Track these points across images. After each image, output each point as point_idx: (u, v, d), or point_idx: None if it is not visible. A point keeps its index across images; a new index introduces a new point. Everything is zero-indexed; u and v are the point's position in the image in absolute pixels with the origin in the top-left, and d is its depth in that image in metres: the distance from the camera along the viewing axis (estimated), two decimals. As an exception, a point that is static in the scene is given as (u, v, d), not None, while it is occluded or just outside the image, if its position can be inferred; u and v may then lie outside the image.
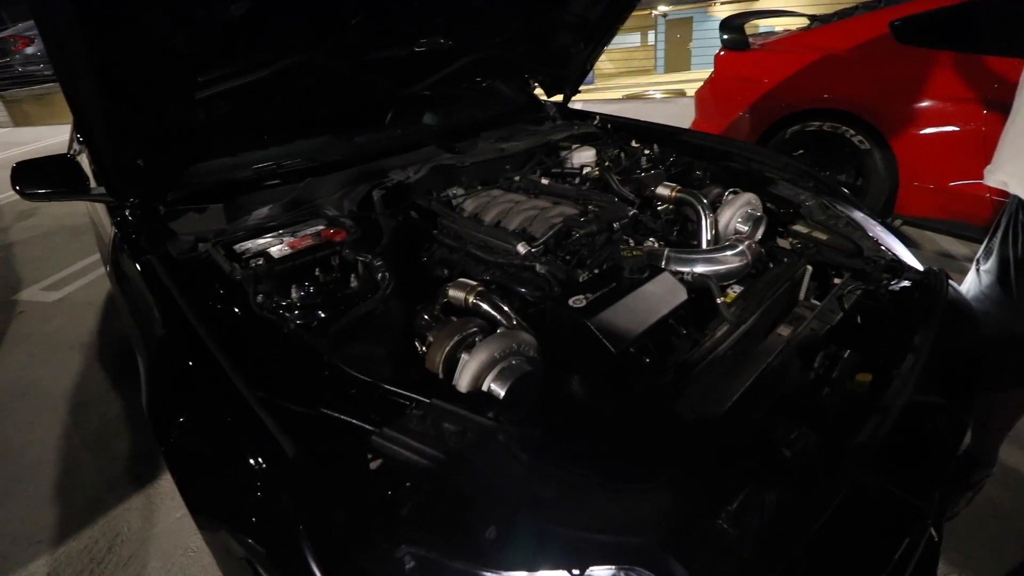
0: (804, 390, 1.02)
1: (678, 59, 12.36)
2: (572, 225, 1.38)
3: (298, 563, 0.71)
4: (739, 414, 0.95)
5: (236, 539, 0.78)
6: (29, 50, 11.77)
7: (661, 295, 1.08)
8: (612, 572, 0.67)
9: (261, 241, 1.41)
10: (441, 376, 1.01)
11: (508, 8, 2.01)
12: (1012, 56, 2.57)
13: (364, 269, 1.28)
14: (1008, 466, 1.77)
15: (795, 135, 3.35)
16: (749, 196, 1.60)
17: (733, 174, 1.86)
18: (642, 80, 11.14)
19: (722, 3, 11.33)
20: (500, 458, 0.78)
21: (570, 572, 0.66)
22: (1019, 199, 1.34)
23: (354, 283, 1.23)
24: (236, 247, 1.39)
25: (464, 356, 0.98)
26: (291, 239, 1.42)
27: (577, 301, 1.04)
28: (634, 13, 2.15)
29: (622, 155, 2.02)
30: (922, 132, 2.88)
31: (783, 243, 1.58)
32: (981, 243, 1.51)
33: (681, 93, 8.69)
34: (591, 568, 0.66)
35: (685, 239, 1.61)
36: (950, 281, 1.35)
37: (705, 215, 1.56)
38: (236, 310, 1.15)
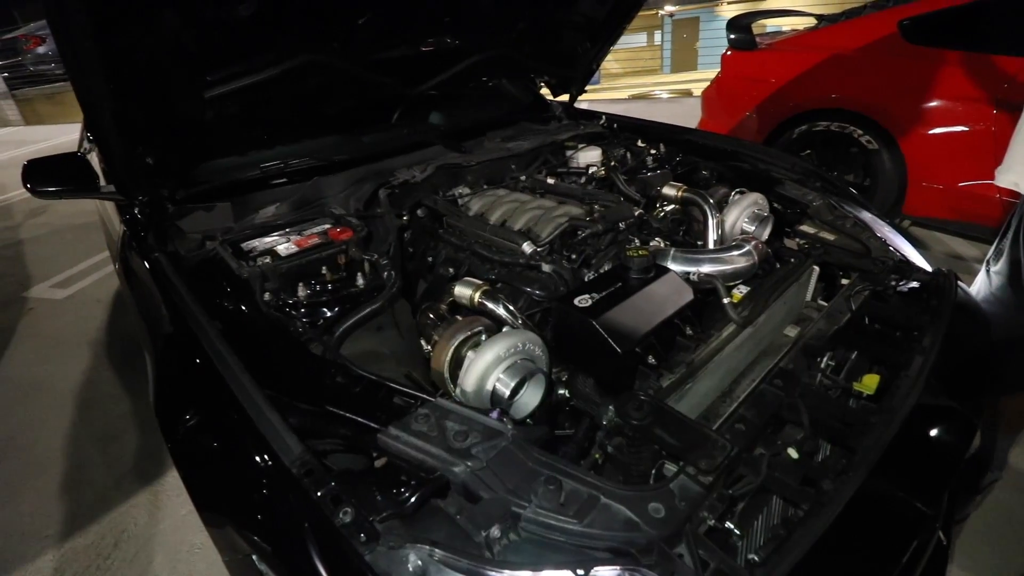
0: (811, 391, 1.02)
1: (685, 59, 12.33)
2: (577, 225, 1.38)
3: (303, 562, 0.71)
4: (745, 415, 0.94)
5: (241, 536, 0.79)
6: (40, 49, 11.91)
7: (667, 295, 1.08)
8: (617, 573, 0.67)
9: (268, 239, 1.42)
10: (447, 375, 1.01)
11: (514, 8, 2.01)
12: (1022, 56, 2.54)
13: (370, 268, 1.28)
14: (1017, 470, 1.75)
15: (802, 135, 3.34)
16: (756, 196, 1.59)
17: (740, 174, 1.85)
18: (648, 80, 11.11)
19: (729, 3, 11.29)
20: (504, 457, 0.78)
21: (574, 572, 0.66)
22: None
23: (360, 282, 1.24)
24: (243, 245, 1.39)
25: (470, 355, 0.98)
26: (298, 237, 1.42)
27: (583, 300, 1.04)
28: (640, 13, 2.14)
29: (628, 155, 2.02)
30: (931, 132, 2.86)
31: (790, 244, 1.57)
32: (991, 244, 1.50)
33: (687, 93, 8.66)
34: (596, 568, 0.66)
35: (691, 239, 1.60)
36: (959, 282, 1.34)
37: (711, 215, 1.55)
38: (243, 308, 1.15)
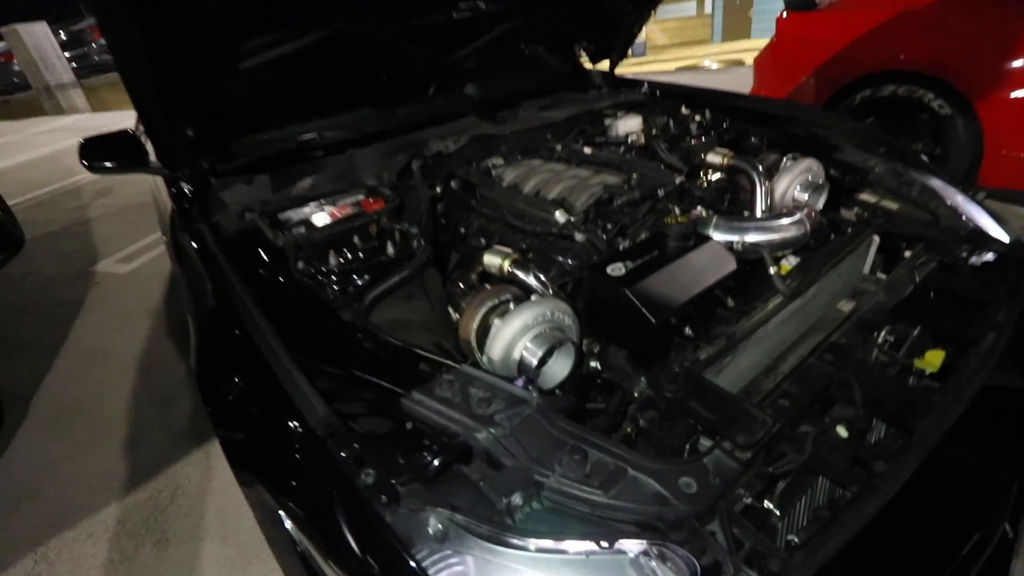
0: (865, 367, 0.94)
1: (737, 27, 11.64)
2: (613, 192, 1.32)
3: (328, 521, 0.72)
4: (790, 390, 0.88)
5: (271, 494, 0.80)
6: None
7: (707, 264, 1.02)
8: (643, 547, 0.64)
9: (304, 210, 1.44)
10: (474, 343, 0.99)
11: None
12: None
13: (400, 238, 1.28)
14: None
15: (865, 101, 3.09)
16: (810, 162, 1.48)
17: (793, 140, 1.72)
18: (697, 51, 10.58)
19: (787, -37, 10.51)
20: (529, 425, 0.76)
21: (598, 544, 0.63)
22: None
23: (390, 251, 1.23)
24: (280, 216, 1.42)
25: (496, 322, 0.95)
26: (332, 208, 1.43)
27: (615, 269, 0.99)
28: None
29: (671, 123, 1.92)
30: (1014, 95, 2.58)
31: (847, 214, 1.45)
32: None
33: (739, 63, 8.21)
34: (620, 541, 0.63)
35: (738, 209, 1.51)
36: (1042, 255, 1.20)
37: (760, 183, 1.45)
38: (278, 276, 1.17)
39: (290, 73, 1.59)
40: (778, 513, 0.74)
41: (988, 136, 2.71)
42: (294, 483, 0.77)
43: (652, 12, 2.13)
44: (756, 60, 3.77)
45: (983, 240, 1.24)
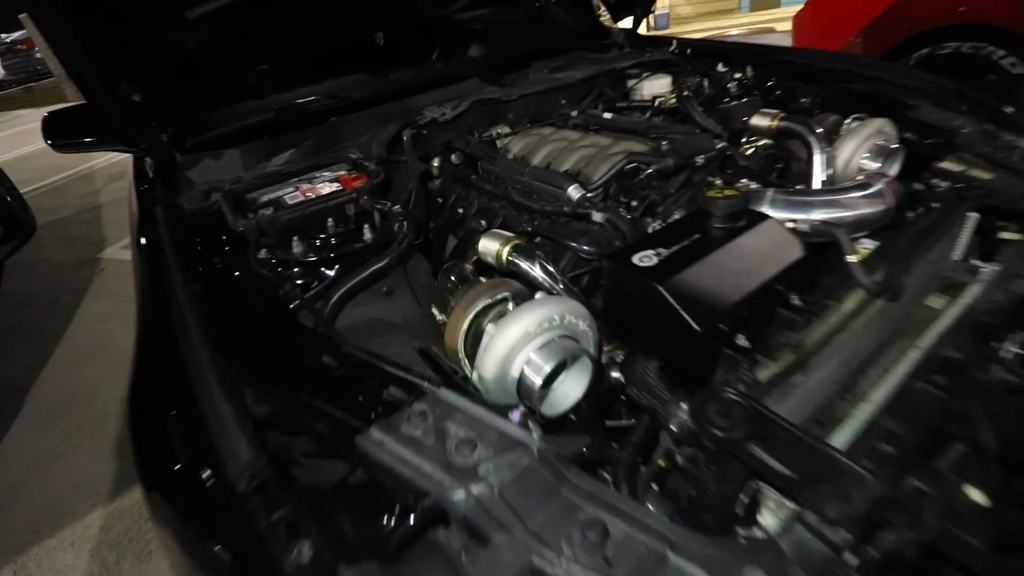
0: (992, 393, 0.70)
1: (768, -6, 10.97)
2: (640, 161, 1.08)
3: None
4: (889, 427, 0.65)
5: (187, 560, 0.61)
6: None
7: (765, 250, 0.78)
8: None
9: (277, 190, 1.24)
10: (463, 353, 0.78)
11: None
12: None
13: (380, 219, 1.06)
14: None
15: (922, 60, 2.74)
16: (880, 122, 1.21)
17: (855, 98, 1.44)
18: (724, 23, 10.01)
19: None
20: (527, 481, 0.55)
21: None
22: None
23: (367, 236, 1.02)
24: (249, 196, 1.22)
25: (490, 328, 0.73)
26: (308, 186, 1.23)
27: (645, 258, 0.76)
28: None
29: (705, 83, 1.65)
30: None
31: (936, 185, 1.19)
32: None
33: (770, 30, 7.70)
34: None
35: (787, 183, 1.25)
36: None
37: (818, 148, 1.19)
38: (233, 269, 0.97)
39: (256, 26, 1.36)
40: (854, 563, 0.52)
41: (1071, 96, 2.36)
42: (206, 558, 0.58)
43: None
44: (795, 19, 3.41)
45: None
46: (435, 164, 1.41)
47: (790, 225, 0.88)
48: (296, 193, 1.19)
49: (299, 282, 0.95)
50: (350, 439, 0.61)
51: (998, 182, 1.12)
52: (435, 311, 0.86)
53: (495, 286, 0.80)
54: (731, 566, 0.47)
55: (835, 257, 0.84)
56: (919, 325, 0.89)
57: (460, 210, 1.31)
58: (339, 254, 0.98)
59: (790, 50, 1.87)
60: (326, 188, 1.20)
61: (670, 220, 1.01)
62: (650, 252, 0.78)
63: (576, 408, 0.75)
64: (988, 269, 0.95)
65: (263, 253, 1.01)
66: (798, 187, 1.20)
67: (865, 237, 0.99)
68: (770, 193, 0.94)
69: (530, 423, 0.61)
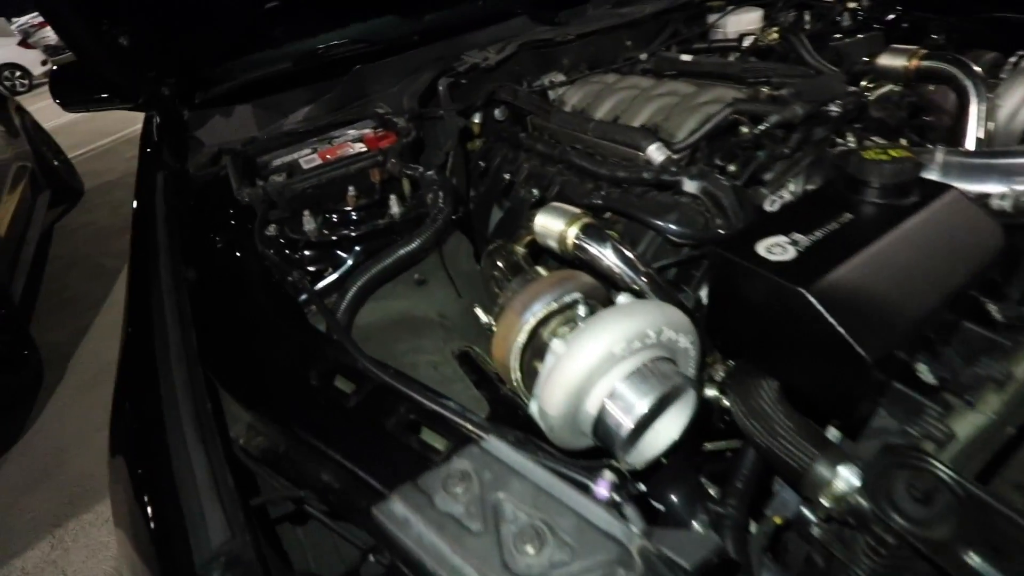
0: None
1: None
2: (748, 112, 0.82)
3: None
4: None
5: None
6: None
7: (953, 240, 0.54)
8: None
9: (293, 151, 1.06)
10: (517, 374, 0.59)
11: None
12: None
13: (411, 189, 0.86)
14: None
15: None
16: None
17: (1013, 30, 1.12)
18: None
19: None
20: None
21: None
22: None
23: (394, 209, 0.82)
24: (261, 160, 1.04)
25: (557, 346, 0.53)
26: (327, 147, 1.04)
27: (776, 248, 0.54)
28: None
29: (806, 16, 1.34)
30: None
31: None
32: None
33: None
34: None
35: (933, 141, 0.97)
36: None
37: (975, 96, 0.91)
38: (236, 252, 0.81)
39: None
40: None
41: None
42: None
43: None
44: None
45: None
46: (476, 120, 1.20)
47: (980, 198, 0.63)
48: (313, 156, 1.01)
49: (310, 268, 0.77)
50: (365, 505, 0.44)
51: None
52: (479, 311, 0.66)
53: (560, 283, 0.59)
54: None
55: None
56: None
57: (507, 176, 1.10)
58: (360, 233, 0.79)
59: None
60: (348, 150, 1.01)
61: (789, 193, 0.76)
62: (782, 239, 0.55)
63: (669, 452, 0.55)
64: None
65: (271, 229, 0.84)
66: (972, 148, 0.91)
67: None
68: (940, 154, 0.67)
69: (626, 507, 0.41)
